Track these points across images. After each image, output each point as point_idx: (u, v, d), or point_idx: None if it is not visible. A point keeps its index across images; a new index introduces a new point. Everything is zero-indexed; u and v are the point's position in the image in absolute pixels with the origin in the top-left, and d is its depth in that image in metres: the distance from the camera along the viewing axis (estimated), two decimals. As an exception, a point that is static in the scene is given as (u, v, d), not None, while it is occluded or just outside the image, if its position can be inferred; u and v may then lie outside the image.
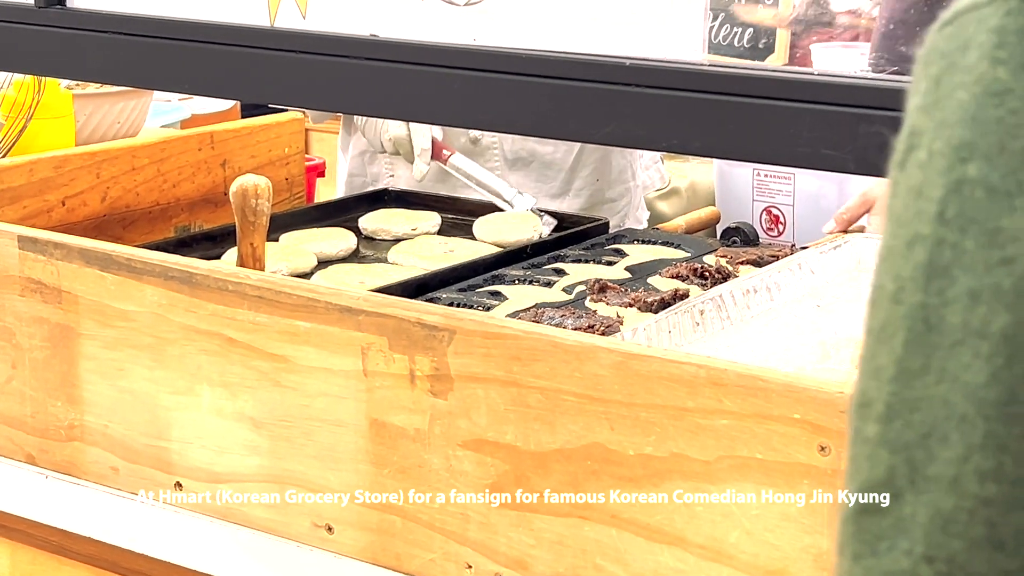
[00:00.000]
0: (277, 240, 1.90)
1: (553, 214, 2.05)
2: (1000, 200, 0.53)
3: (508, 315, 1.60)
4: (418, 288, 1.70)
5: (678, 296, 1.62)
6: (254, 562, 1.37)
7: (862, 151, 1.00)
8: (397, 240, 1.97)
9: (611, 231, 2.00)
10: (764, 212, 2.89)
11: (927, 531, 0.53)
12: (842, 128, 1.01)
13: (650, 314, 1.58)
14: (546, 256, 1.86)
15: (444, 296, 1.68)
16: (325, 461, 1.31)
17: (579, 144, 2.33)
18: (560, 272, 1.79)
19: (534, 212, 2.05)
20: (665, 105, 1.09)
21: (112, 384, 1.45)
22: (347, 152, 2.44)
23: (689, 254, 1.87)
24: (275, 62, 1.29)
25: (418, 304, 1.28)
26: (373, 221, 2.02)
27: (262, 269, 1.65)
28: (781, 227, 2.88)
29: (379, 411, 1.27)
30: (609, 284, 1.69)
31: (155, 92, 2.42)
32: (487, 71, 1.18)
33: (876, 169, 1.01)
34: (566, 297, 1.69)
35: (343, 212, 2.08)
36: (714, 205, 2.72)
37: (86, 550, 1.52)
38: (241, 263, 1.65)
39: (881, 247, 0.57)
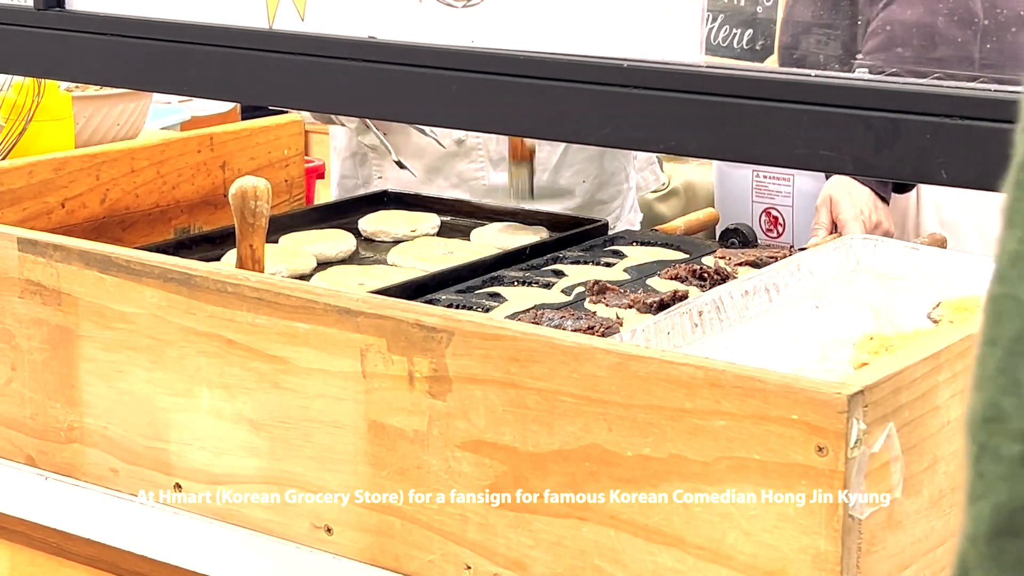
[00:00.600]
0: (277, 242, 1.90)
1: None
2: None
3: (507, 316, 1.60)
4: (417, 289, 1.70)
5: (677, 297, 1.62)
6: (253, 563, 1.38)
7: (860, 152, 1.00)
8: (396, 242, 1.98)
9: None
10: (763, 213, 2.90)
11: None
12: (840, 129, 1.01)
13: (649, 315, 1.58)
14: (545, 258, 1.86)
15: (443, 297, 1.68)
16: (324, 462, 1.31)
17: (563, 144, 2.34)
18: (559, 274, 1.80)
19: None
20: (663, 107, 1.09)
21: (111, 386, 1.45)
22: (339, 155, 2.45)
23: (688, 255, 1.87)
24: (273, 64, 1.29)
25: (417, 306, 1.29)
26: (372, 223, 2.02)
27: (261, 271, 1.65)
28: (780, 228, 2.88)
29: (378, 412, 1.27)
30: (608, 285, 1.69)
31: (154, 94, 2.42)
32: (485, 73, 1.18)
33: (873, 170, 1.01)
34: (565, 298, 1.70)
35: (342, 214, 2.08)
36: (713, 206, 2.72)
37: (85, 551, 1.52)
38: (240, 265, 1.65)
39: (1007, 254, 0.53)
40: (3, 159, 1.98)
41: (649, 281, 1.75)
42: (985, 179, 0.97)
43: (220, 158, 2.03)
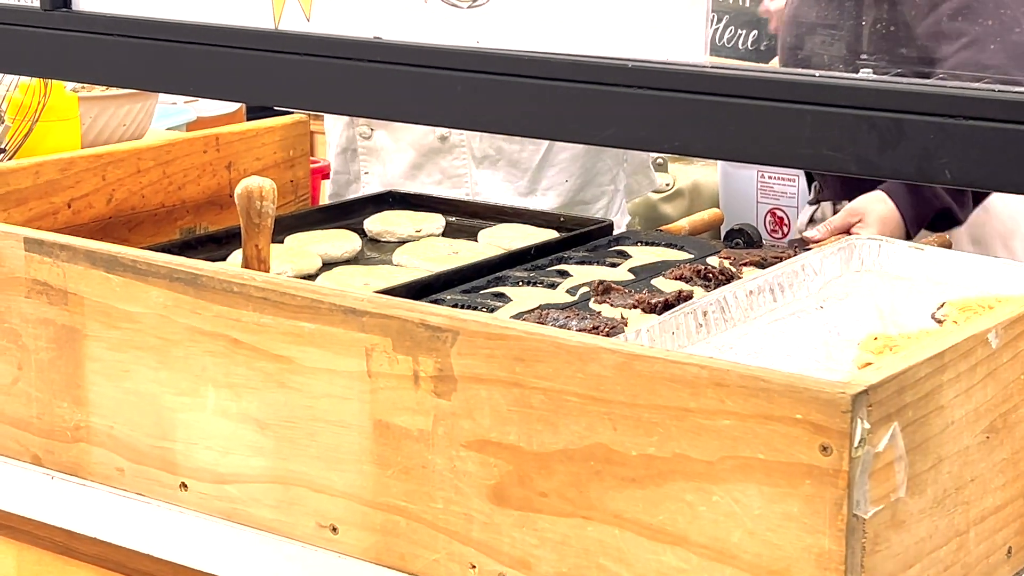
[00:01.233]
0: (282, 242, 1.91)
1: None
2: None
3: (512, 316, 1.60)
4: (422, 289, 1.71)
5: (682, 297, 1.62)
6: (259, 562, 1.38)
7: (864, 152, 1.00)
8: (402, 242, 1.98)
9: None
10: (768, 214, 2.90)
11: None
12: (844, 129, 1.01)
13: (654, 315, 1.58)
14: (550, 258, 1.86)
15: (448, 297, 1.68)
16: (329, 462, 1.32)
17: (546, 143, 2.35)
18: (564, 274, 1.80)
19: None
20: (667, 107, 1.09)
21: (117, 385, 1.45)
22: (332, 151, 2.46)
23: (693, 256, 1.88)
24: (279, 64, 1.29)
25: (422, 305, 1.29)
26: (378, 223, 2.03)
27: (267, 271, 1.65)
28: (785, 228, 2.88)
29: (383, 412, 1.28)
30: (613, 286, 1.69)
31: (160, 95, 2.43)
32: (490, 73, 1.18)
33: (877, 170, 1.01)
34: (570, 299, 1.70)
35: (348, 214, 2.09)
36: (718, 207, 2.73)
37: (92, 550, 1.52)
38: (246, 265, 1.65)
39: None
40: (9, 159, 1.99)
41: (654, 281, 1.75)
42: (990, 179, 0.98)
43: (226, 158, 2.03)
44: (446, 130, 2.33)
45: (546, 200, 2.38)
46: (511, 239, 1.95)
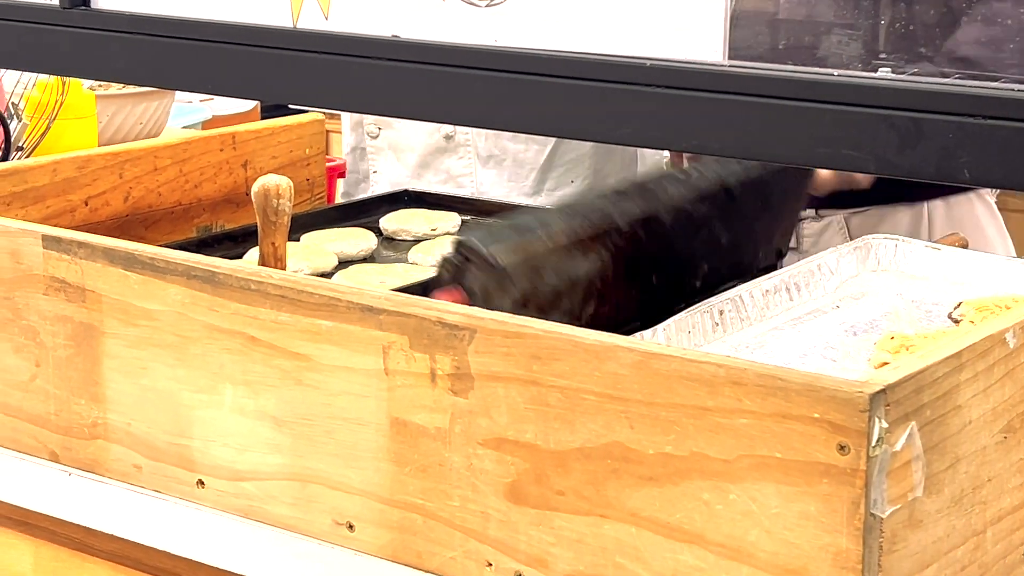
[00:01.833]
0: (298, 240, 1.91)
1: None
2: None
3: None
4: (438, 288, 1.70)
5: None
6: (275, 559, 1.38)
7: (882, 152, 1.00)
8: (417, 240, 1.98)
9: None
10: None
11: None
12: (862, 129, 1.01)
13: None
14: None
15: (464, 296, 1.68)
16: (346, 459, 1.32)
17: (551, 144, 2.36)
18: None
19: None
20: (685, 105, 1.09)
21: (135, 382, 1.46)
22: (344, 150, 2.47)
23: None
24: (297, 63, 1.29)
25: (439, 303, 1.29)
26: (393, 221, 2.03)
27: (283, 269, 1.66)
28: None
29: (400, 410, 1.28)
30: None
31: (176, 93, 2.44)
32: (508, 72, 1.18)
33: (896, 169, 1.01)
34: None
35: (363, 212, 2.09)
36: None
37: (109, 547, 1.53)
38: (263, 263, 1.66)
39: None
40: (27, 157, 1.99)
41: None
42: (1009, 178, 0.97)
43: (242, 157, 2.04)
44: (451, 129, 2.34)
45: (552, 201, 2.38)
46: None
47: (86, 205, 1.86)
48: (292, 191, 1.65)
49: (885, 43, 1.12)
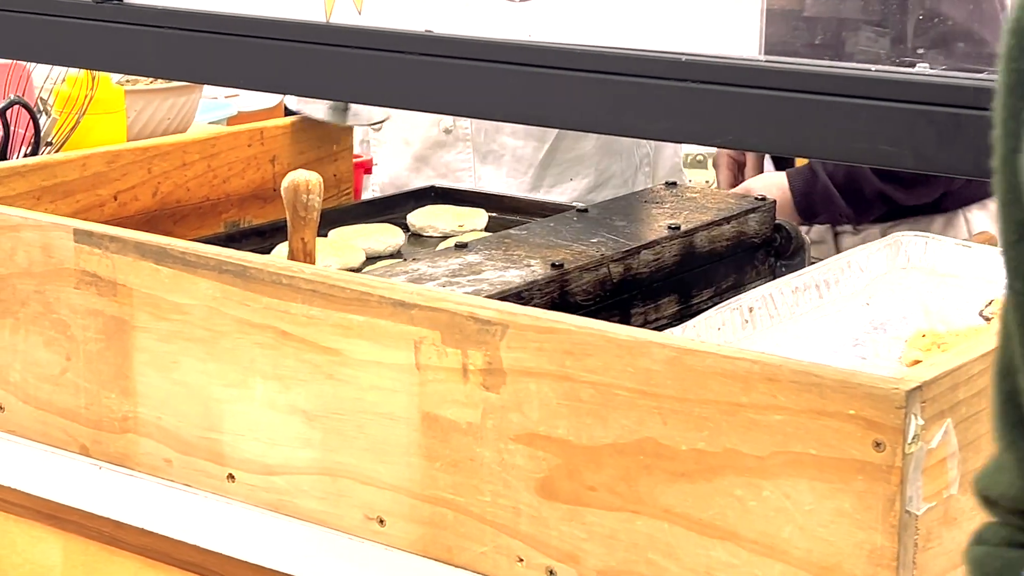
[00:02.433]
0: (326, 236, 1.91)
1: None
2: None
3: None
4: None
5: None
6: (306, 554, 1.38)
7: (921, 147, 1.00)
8: (444, 237, 1.98)
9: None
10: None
11: None
12: (900, 124, 1.01)
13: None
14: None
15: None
16: (377, 454, 1.32)
17: (550, 142, 2.35)
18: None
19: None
20: (721, 101, 1.09)
21: (166, 376, 1.46)
22: None
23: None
24: (331, 58, 1.30)
25: (471, 298, 1.29)
26: (420, 218, 2.03)
27: (312, 264, 1.66)
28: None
29: (431, 405, 1.28)
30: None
31: (203, 88, 2.44)
32: (542, 67, 1.18)
33: (933, 165, 1.01)
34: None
35: (391, 208, 2.09)
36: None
37: (138, 541, 1.53)
38: (292, 258, 1.66)
39: None
40: (56, 151, 2.00)
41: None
42: (1049, 174, 0.97)
43: (270, 152, 2.04)
44: (450, 123, 2.34)
45: (550, 197, 2.38)
46: None
47: (115, 200, 1.86)
48: (322, 187, 1.65)
49: (922, 39, 1.12)
